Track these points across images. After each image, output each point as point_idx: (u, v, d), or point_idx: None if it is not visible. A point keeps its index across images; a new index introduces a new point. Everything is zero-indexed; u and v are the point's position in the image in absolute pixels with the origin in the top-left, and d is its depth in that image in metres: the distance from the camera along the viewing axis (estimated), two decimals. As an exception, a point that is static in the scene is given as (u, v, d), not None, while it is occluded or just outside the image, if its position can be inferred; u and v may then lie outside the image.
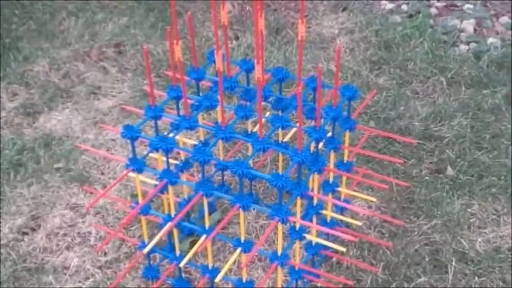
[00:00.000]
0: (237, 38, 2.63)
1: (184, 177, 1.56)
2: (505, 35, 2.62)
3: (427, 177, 1.99)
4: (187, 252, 1.49)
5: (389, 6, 2.85)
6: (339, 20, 2.76)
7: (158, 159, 1.50)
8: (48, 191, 1.96)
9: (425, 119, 2.21)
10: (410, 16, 2.77)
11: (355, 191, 1.73)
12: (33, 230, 1.85)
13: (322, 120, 1.40)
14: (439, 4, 2.83)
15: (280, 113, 1.52)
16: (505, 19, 2.71)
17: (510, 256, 1.74)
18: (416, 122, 2.20)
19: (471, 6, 2.77)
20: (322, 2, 2.86)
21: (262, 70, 1.26)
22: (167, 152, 1.39)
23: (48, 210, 1.90)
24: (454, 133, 2.14)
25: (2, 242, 1.80)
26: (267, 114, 1.73)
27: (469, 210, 1.88)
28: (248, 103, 1.52)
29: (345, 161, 1.61)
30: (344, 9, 2.83)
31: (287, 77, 1.58)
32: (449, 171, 2.01)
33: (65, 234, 1.83)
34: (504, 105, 2.25)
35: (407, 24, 2.68)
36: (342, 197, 1.69)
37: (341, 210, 1.66)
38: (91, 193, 1.89)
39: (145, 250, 1.47)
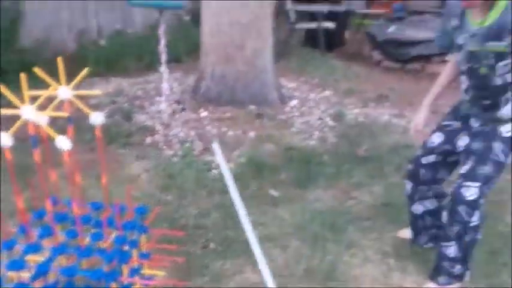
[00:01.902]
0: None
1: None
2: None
3: (198, 251, 2.07)
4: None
5: (170, 152, 2.95)
6: (141, 164, 2.84)
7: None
8: None
9: (194, 218, 2.31)
10: (183, 156, 2.87)
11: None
12: None
13: (126, 230, 1.47)
14: (200, 148, 3.01)
15: (98, 230, 1.55)
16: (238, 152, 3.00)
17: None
18: (190, 221, 2.28)
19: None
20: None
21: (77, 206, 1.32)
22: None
23: None
24: (210, 224, 2.28)
25: None
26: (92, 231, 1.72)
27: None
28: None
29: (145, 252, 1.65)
30: (143, 158, 2.92)
31: (102, 207, 1.62)
32: (211, 246, 2.14)
33: None
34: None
35: (182, 161, 2.81)
36: (146, 275, 1.71)
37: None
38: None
39: None
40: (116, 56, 4.37)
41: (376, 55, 5.33)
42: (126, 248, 1.50)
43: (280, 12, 5.52)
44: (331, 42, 5.57)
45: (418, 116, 2.07)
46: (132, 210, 1.57)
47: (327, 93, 4.15)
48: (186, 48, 4.80)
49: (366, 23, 6.19)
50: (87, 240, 1.49)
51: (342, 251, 2.17)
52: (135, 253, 1.55)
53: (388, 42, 5.08)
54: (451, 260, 1.92)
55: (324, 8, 5.27)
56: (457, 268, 1.94)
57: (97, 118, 1.41)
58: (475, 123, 1.89)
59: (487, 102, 1.82)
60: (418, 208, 2.12)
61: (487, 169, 1.78)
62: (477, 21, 1.72)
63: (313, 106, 3.78)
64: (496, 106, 1.81)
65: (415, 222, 2.17)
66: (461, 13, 1.77)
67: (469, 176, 1.80)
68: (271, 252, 2.12)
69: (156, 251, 1.95)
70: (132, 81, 4.11)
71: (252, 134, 3.24)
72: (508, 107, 1.79)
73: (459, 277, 1.97)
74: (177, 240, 2.08)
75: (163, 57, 3.27)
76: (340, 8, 5.72)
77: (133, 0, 3.52)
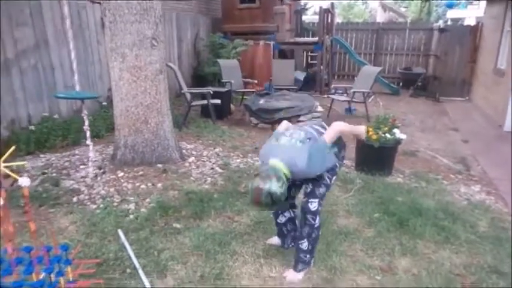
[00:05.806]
0: None
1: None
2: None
3: (117, 276, 2.09)
4: None
5: (94, 206, 2.89)
6: (68, 218, 2.79)
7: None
8: None
9: (114, 252, 2.34)
10: (104, 208, 2.84)
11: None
12: None
13: (53, 264, 1.52)
14: (118, 200, 3.07)
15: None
16: (149, 199, 3.10)
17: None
18: (111, 255, 2.31)
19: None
20: None
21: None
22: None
23: None
24: (126, 255, 2.35)
25: None
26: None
27: None
28: None
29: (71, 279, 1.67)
30: (71, 213, 2.86)
31: (32, 249, 1.64)
32: (127, 271, 2.18)
33: None
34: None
35: (104, 212, 2.78)
36: None
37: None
38: None
39: None
40: (44, 137, 4.26)
41: (253, 120, 5.83)
42: (53, 277, 1.57)
43: (180, 95, 5.87)
44: (221, 113, 5.95)
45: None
46: (57, 248, 1.65)
47: (217, 150, 4.41)
48: (105, 126, 4.87)
49: (245, 98, 6.81)
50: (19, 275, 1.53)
51: (227, 258, 2.37)
52: (62, 280, 1.62)
53: (260, 110, 5.62)
54: (304, 252, 2.23)
55: (210, 89, 5.74)
56: (308, 257, 2.25)
57: (24, 181, 1.54)
58: None
59: None
60: (282, 219, 2.42)
61: (322, 190, 2.13)
62: None
63: (206, 160, 4.00)
64: None
65: (281, 229, 2.46)
66: None
67: (311, 195, 2.13)
68: (174, 267, 2.26)
69: (82, 277, 1.97)
70: (59, 156, 4.02)
71: (159, 185, 3.31)
72: None
73: (309, 263, 2.29)
74: (102, 271, 2.15)
75: (88, 134, 3.39)
76: (223, 89, 6.27)
77: (59, 93, 3.60)
